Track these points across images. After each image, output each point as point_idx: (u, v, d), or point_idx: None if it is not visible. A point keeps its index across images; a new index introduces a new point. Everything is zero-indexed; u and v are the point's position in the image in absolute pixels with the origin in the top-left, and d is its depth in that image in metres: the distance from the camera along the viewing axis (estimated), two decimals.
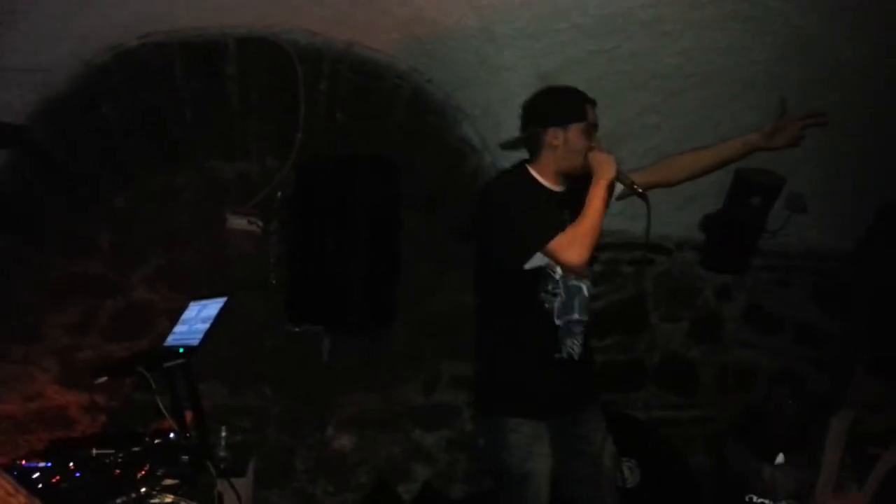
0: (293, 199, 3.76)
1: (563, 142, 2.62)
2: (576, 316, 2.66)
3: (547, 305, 2.61)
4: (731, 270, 4.38)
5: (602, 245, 4.10)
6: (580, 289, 2.68)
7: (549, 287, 2.61)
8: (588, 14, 3.27)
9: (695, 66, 3.55)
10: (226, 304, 2.92)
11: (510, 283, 2.61)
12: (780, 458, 3.32)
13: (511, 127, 3.85)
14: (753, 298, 4.59)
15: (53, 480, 1.93)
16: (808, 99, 3.79)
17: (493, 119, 3.91)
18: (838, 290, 4.60)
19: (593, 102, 2.69)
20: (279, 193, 3.82)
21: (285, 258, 3.78)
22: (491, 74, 3.67)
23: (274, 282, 3.80)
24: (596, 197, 2.53)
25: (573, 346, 2.66)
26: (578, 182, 2.64)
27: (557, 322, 2.62)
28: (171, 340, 3.01)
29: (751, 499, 3.07)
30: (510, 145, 2.84)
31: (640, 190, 2.63)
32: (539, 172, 2.68)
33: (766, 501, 3.03)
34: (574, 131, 2.62)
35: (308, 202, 3.67)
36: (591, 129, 2.64)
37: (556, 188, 2.69)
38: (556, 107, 2.68)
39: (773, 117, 2.78)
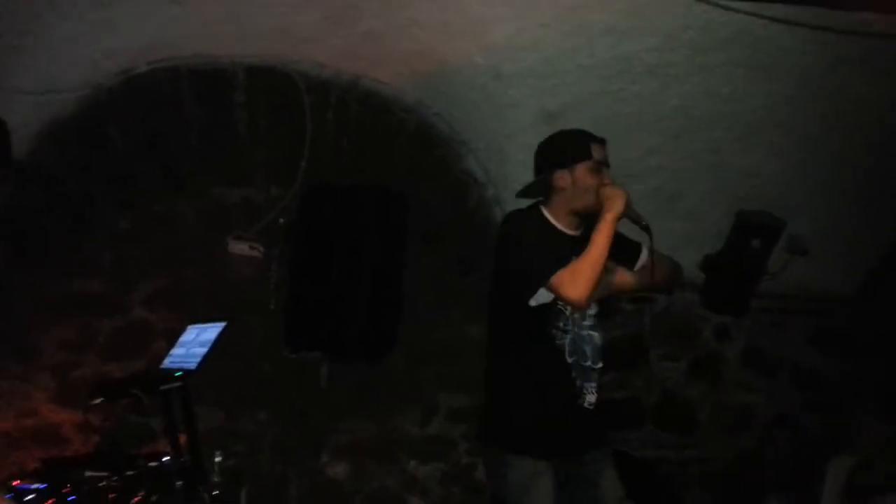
0: (296, 226, 3.78)
1: (570, 182, 2.62)
2: (588, 363, 2.65)
3: (558, 342, 2.60)
4: (731, 312, 4.36)
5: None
6: (591, 337, 2.67)
7: (560, 324, 2.61)
8: (595, 56, 3.32)
9: (698, 109, 3.60)
10: (224, 329, 2.93)
11: (521, 318, 2.60)
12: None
13: (515, 161, 3.89)
14: (752, 340, 4.59)
15: (48, 503, 1.91)
16: (811, 142, 3.84)
17: (497, 153, 3.95)
18: (838, 333, 4.60)
19: (601, 140, 2.68)
20: (282, 220, 3.84)
21: (285, 284, 3.79)
22: (496, 110, 3.72)
23: (273, 307, 3.80)
24: (600, 232, 2.50)
25: (589, 388, 2.65)
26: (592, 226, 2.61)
27: (569, 360, 2.61)
28: (168, 363, 3.01)
29: None
30: (525, 193, 2.82)
31: (645, 223, 2.59)
32: (552, 214, 2.68)
33: None
34: (581, 170, 2.61)
35: (310, 230, 3.68)
36: (598, 167, 2.63)
37: (571, 231, 2.67)
38: (560, 149, 2.68)
39: None
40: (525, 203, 2.86)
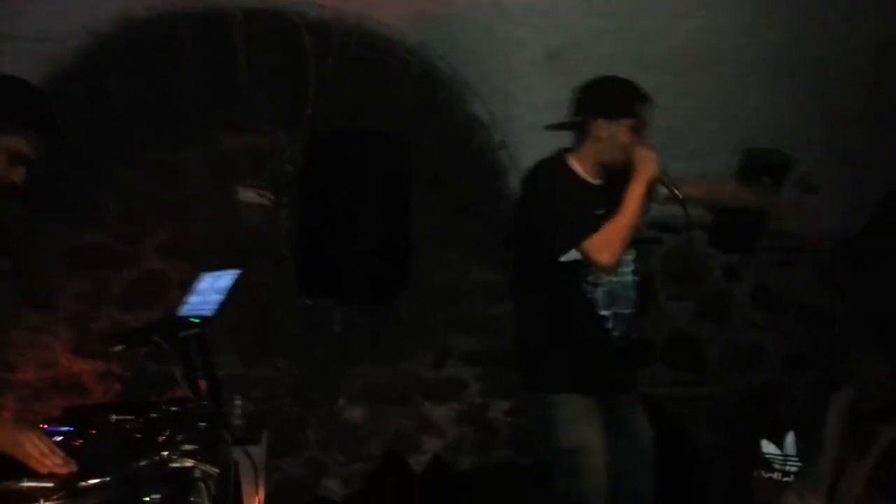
0: (303, 173, 3.78)
1: (608, 135, 2.55)
2: (620, 309, 2.64)
3: (589, 296, 2.59)
4: (739, 250, 4.39)
5: None
6: (635, 282, 2.67)
7: (591, 278, 2.59)
8: None
9: (705, 46, 3.54)
10: (239, 276, 2.95)
11: (551, 273, 2.58)
12: (789, 439, 3.33)
13: (521, 104, 3.87)
14: (760, 278, 4.62)
15: (76, 444, 1.97)
16: (819, 78, 3.80)
17: (502, 95, 3.91)
18: (844, 271, 4.62)
19: (648, 100, 2.61)
20: (289, 167, 3.84)
21: (296, 231, 3.81)
22: (500, 50, 3.67)
23: (285, 254, 3.83)
24: (634, 196, 2.45)
25: (623, 333, 2.66)
26: (616, 176, 2.57)
27: (604, 313, 2.60)
28: (185, 310, 3.04)
29: (759, 474, 3.08)
30: (556, 127, 2.74)
31: (680, 195, 2.51)
32: (579, 162, 2.62)
33: (775, 476, 3.05)
34: (623, 126, 2.54)
35: (316, 176, 3.68)
36: (639, 127, 2.56)
37: (594, 181, 2.63)
38: (607, 98, 2.59)
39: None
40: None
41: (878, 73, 3.74)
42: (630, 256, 2.67)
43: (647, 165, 2.48)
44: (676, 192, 2.52)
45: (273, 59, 3.68)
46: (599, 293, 2.60)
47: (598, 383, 2.61)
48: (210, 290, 3.01)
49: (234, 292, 2.92)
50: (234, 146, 3.89)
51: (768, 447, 3.15)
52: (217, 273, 3.08)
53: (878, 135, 4.08)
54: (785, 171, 4.03)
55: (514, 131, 3.96)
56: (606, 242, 2.43)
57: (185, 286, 3.22)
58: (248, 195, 3.84)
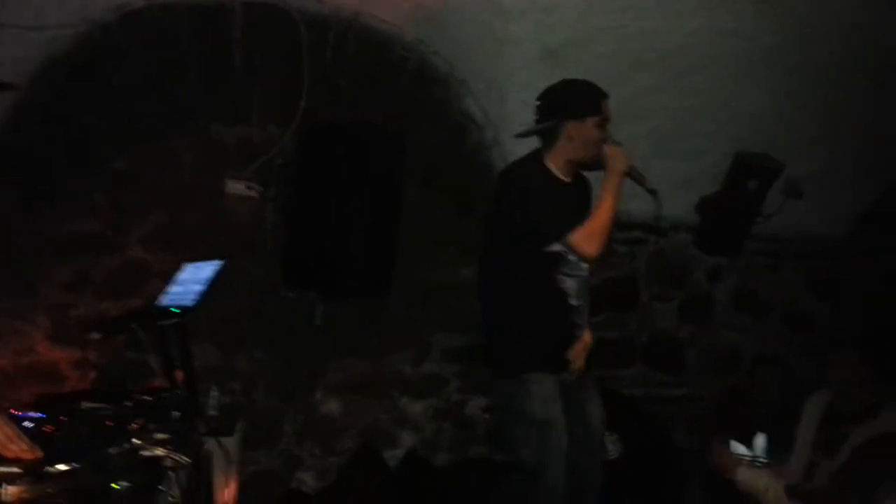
0: (293, 166, 3.76)
1: (578, 133, 2.72)
2: (586, 300, 2.85)
3: (562, 286, 2.76)
4: (725, 253, 4.42)
5: None
6: (589, 279, 2.86)
7: (565, 269, 2.75)
8: None
9: (703, 47, 3.55)
10: (221, 267, 2.93)
11: (527, 265, 2.74)
12: (759, 440, 3.36)
13: (515, 101, 3.85)
14: (744, 282, 4.63)
15: (46, 430, 1.94)
16: (815, 82, 3.79)
17: (496, 93, 3.90)
18: (829, 275, 4.63)
19: (607, 96, 2.79)
20: (279, 160, 3.82)
21: (282, 224, 3.79)
22: (497, 48, 3.66)
23: (269, 247, 3.81)
24: (609, 190, 2.67)
25: (583, 326, 2.85)
26: (580, 176, 2.81)
27: (574, 303, 2.78)
28: (165, 300, 3.01)
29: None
30: (527, 135, 2.91)
31: (651, 187, 2.74)
32: (553, 162, 2.79)
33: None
34: (590, 124, 2.72)
35: (308, 170, 3.67)
36: (604, 123, 2.75)
37: (567, 179, 2.81)
38: (574, 99, 2.77)
39: None
40: (519, 150, 2.94)
41: (875, 77, 3.75)
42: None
43: (617, 161, 2.71)
44: (648, 185, 2.76)
45: (269, 52, 3.67)
46: (572, 284, 2.78)
47: (562, 365, 2.79)
48: (192, 280, 2.99)
49: (216, 283, 2.90)
50: (225, 138, 3.87)
51: (737, 448, 3.20)
52: (200, 264, 3.06)
53: (873, 138, 4.09)
54: (774, 175, 4.05)
55: (508, 130, 3.94)
56: (591, 235, 2.64)
57: (168, 276, 3.20)
58: (237, 187, 3.82)
